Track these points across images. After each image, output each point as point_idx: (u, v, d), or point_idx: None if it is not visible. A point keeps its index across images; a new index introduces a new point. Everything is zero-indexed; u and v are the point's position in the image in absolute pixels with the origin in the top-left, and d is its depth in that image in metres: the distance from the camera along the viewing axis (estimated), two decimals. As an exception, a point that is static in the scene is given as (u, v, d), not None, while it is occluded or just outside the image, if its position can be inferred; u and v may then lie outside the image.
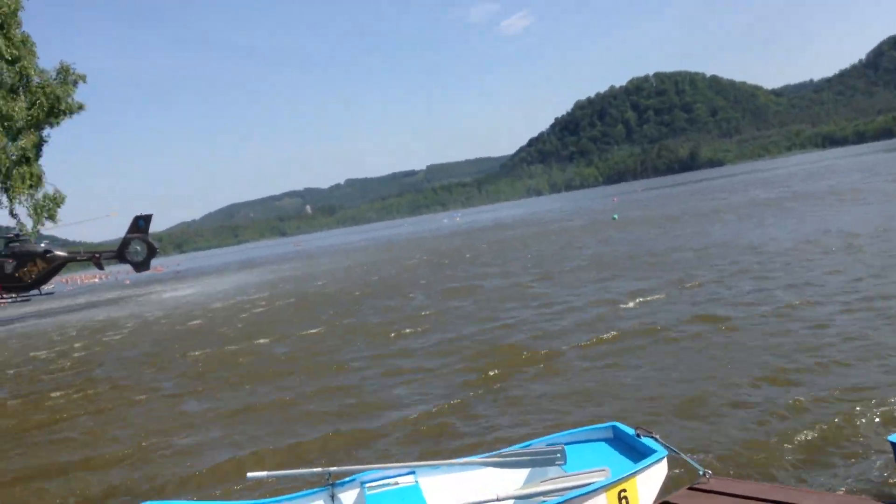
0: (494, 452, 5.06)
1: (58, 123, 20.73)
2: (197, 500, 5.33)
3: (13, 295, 39.01)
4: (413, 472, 4.97)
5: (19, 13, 20.37)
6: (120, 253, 41.58)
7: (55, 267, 40.05)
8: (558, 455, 4.83)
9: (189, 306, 32.52)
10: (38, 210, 19.73)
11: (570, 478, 4.56)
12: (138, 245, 41.11)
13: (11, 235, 39.65)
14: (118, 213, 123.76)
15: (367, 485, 4.83)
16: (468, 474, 5.03)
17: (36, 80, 19.88)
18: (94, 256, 41.91)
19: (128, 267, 43.58)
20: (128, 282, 69.74)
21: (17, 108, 18.79)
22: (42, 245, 39.75)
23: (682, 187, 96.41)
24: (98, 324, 30.26)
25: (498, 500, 4.35)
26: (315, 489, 4.77)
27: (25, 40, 18.99)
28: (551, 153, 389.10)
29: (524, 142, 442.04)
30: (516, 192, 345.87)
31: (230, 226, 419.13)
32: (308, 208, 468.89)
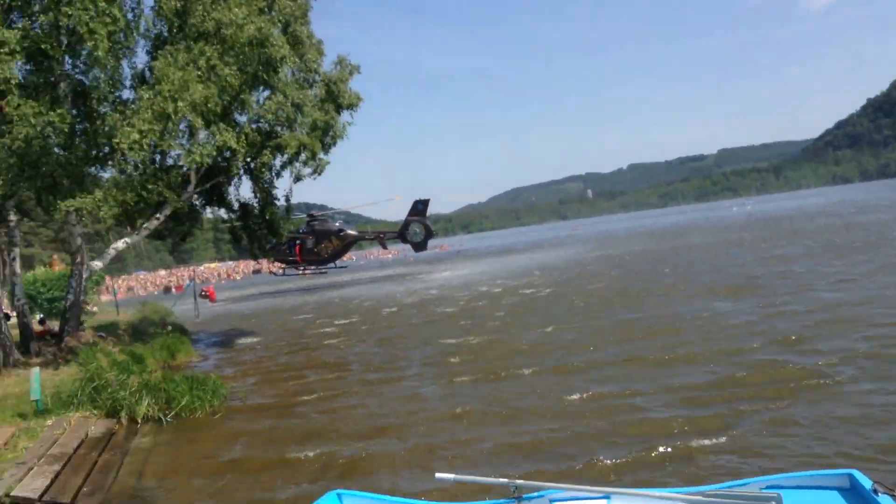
0: (699, 489, 4.21)
1: (339, 130, 21.94)
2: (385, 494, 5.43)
3: (312, 267, 43.74)
4: (606, 497, 4.39)
5: (308, 13, 21.90)
6: (401, 234, 44.29)
7: (347, 244, 44.08)
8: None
9: (459, 287, 33.59)
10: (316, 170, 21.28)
11: None
12: (417, 227, 43.43)
13: (313, 214, 44.39)
14: (402, 196, 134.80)
15: (555, 503, 4.46)
16: None
17: (317, 77, 21.37)
18: (380, 236, 45.33)
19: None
20: (411, 259, 74.56)
21: (305, 99, 20.33)
22: (337, 224, 43.87)
23: None
24: (377, 300, 32.42)
25: None
26: (501, 500, 4.56)
27: (310, 36, 20.41)
28: (862, 136, 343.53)
29: (830, 124, 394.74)
30: (819, 179, 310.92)
31: (513, 209, 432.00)
32: (589, 192, 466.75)
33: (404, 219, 43.69)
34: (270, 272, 49.07)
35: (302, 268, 43.23)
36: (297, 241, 41.71)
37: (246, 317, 32.23)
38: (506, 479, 4.48)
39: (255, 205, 21.87)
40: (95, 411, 11.38)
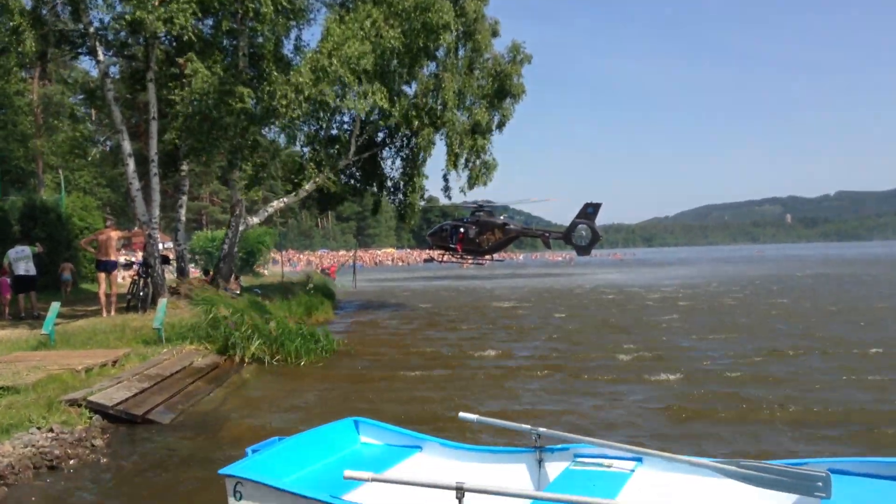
0: (739, 461, 3.85)
1: (507, 114, 21.46)
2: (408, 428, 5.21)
3: (471, 258, 43.72)
4: (636, 460, 4.30)
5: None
6: (566, 235, 42.83)
7: (509, 238, 43.38)
8: (819, 484, 3.41)
9: (607, 290, 32.32)
10: (475, 174, 20.97)
11: None
12: (584, 230, 41.97)
13: (479, 203, 44.35)
14: (558, 199, 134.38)
15: (579, 458, 4.43)
16: (696, 478, 4.10)
17: (487, 56, 21.01)
18: (544, 235, 44.15)
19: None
20: (573, 262, 73.21)
21: (469, 85, 20.15)
22: (502, 217, 43.53)
23: None
24: (527, 293, 31.87)
25: None
26: (523, 449, 4.61)
27: (483, 15, 20.16)
28: None
29: None
30: None
31: (701, 226, 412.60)
32: (788, 217, 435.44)
33: (572, 220, 42.58)
34: (434, 260, 49.91)
35: (460, 256, 43.37)
36: (460, 230, 41.88)
37: (402, 293, 33.12)
38: (529, 426, 4.45)
39: (401, 185, 21.93)
40: (209, 346, 11.81)
